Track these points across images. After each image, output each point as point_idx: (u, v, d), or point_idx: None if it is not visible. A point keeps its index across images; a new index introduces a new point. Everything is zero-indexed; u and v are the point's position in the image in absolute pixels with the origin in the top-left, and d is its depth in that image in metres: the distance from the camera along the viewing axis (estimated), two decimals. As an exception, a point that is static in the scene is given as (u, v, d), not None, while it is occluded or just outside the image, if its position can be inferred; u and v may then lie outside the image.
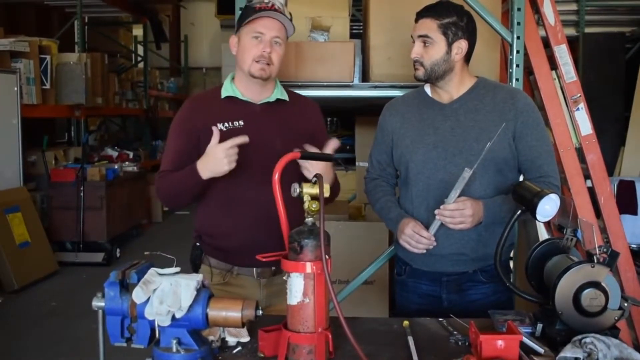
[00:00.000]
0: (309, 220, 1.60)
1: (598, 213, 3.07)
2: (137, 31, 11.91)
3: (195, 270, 2.28)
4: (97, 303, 1.48)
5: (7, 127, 6.25)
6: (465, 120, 2.22)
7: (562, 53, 3.01)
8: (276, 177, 1.75)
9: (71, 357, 4.29)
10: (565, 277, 1.66)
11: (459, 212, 2.07)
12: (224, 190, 2.18)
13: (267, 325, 1.66)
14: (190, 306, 1.45)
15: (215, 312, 1.48)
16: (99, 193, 6.94)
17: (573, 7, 6.70)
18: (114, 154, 8.55)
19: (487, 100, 2.24)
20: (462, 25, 2.20)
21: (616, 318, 1.67)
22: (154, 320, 1.45)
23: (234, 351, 1.67)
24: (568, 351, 1.54)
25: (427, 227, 2.16)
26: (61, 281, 6.19)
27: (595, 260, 1.66)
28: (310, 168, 2.06)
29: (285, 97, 2.30)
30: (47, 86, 6.95)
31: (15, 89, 6.29)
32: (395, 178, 2.43)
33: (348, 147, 6.82)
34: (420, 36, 2.20)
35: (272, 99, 2.26)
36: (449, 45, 2.19)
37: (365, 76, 3.01)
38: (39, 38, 7.07)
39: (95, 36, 10.13)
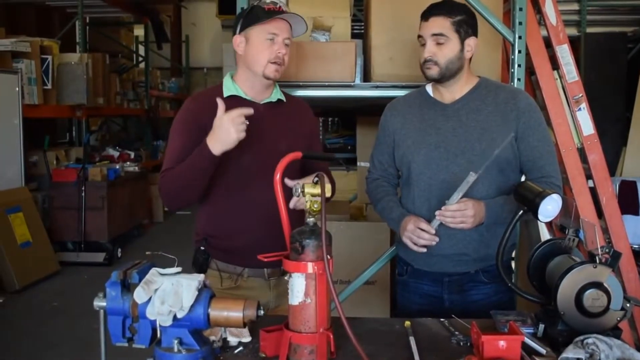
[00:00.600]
0: (310, 220, 1.60)
1: (600, 213, 3.06)
2: (139, 31, 11.91)
3: None
4: (99, 303, 1.48)
5: (9, 127, 6.26)
6: (467, 121, 2.22)
7: (564, 53, 3.01)
8: (277, 177, 1.75)
9: (73, 357, 4.29)
10: (567, 277, 1.66)
11: (460, 213, 2.07)
12: (230, 189, 2.18)
13: (268, 325, 1.66)
14: (192, 306, 1.45)
15: (217, 312, 1.48)
16: (101, 193, 6.94)
17: (575, 6, 6.69)
18: (115, 154, 8.55)
19: (489, 100, 2.24)
20: (471, 23, 2.21)
21: (618, 319, 1.66)
22: (155, 320, 1.45)
23: (236, 351, 1.67)
24: (570, 352, 1.54)
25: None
26: (62, 281, 6.19)
27: (598, 261, 1.66)
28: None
29: (283, 97, 2.31)
30: (49, 86, 6.96)
31: (17, 89, 6.30)
32: (396, 178, 2.43)
33: (349, 147, 6.82)
34: (434, 35, 2.18)
35: (274, 99, 2.27)
36: (462, 42, 2.19)
37: (366, 76, 3.01)
38: (40, 38, 7.08)
39: (97, 36, 10.13)
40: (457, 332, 1.80)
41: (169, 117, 10.88)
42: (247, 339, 1.71)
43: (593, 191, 3.03)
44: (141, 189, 8.31)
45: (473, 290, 2.27)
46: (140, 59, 11.58)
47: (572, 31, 6.58)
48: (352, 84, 2.90)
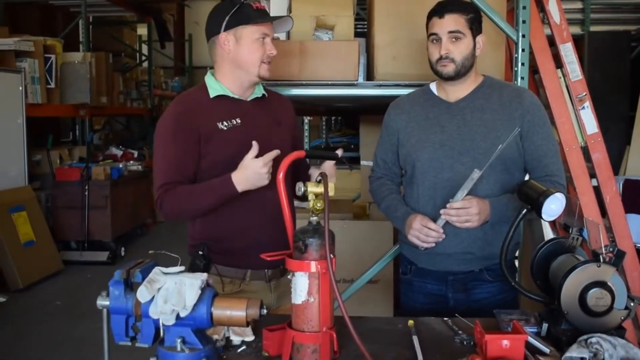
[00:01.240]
0: (313, 219, 1.60)
1: (604, 212, 3.05)
2: (142, 30, 11.92)
3: None
4: (102, 302, 1.48)
5: (12, 127, 6.28)
6: (471, 119, 2.22)
7: (568, 51, 3.00)
8: (280, 176, 1.75)
9: (76, 355, 4.30)
10: (571, 276, 1.65)
11: (464, 211, 2.07)
12: None
13: (271, 324, 1.66)
14: (195, 305, 1.45)
15: (220, 311, 1.48)
16: (104, 192, 6.95)
17: (578, 5, 6.67)
18: (119, 153, 8.56)
19: (493, 99, 2.24)
20: (480, 20, 2.24)
21: (622, 318, 1.66)
22: (158, 319, 1.45)
23: (239, 350, 1.67)
24: (574, 351, 1.54)
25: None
26: (66, 280, 6.21)
27: (601, 260, 1.65)
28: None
29: (264, 91, 2.31)
30: (52, 85, 6.98)
31: (20, 88, 6.32)
32: (400, 177, 2.43)
33: (352, 146, 6.82)
34: (450, 32, 2.18)
35: (259, 94, 2.27)
36: (474, 39, 2.21)
37: (369, 75, 3.01)
38: (43, 37, 7.09)
39: (100, 35, 10.15)
40: (460, 332, 1.79)
41: (172, 117, 10.85)
42: (250, 338, 1.71)
43: (597, 190, 3.02)
44: (144, 188, 8.30)
45: (477, 289, 2.26)
46: (144, 58, 11.60)
47: (576, 30, 6.57)
48: (355, 83, 2.90)
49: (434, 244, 2.17)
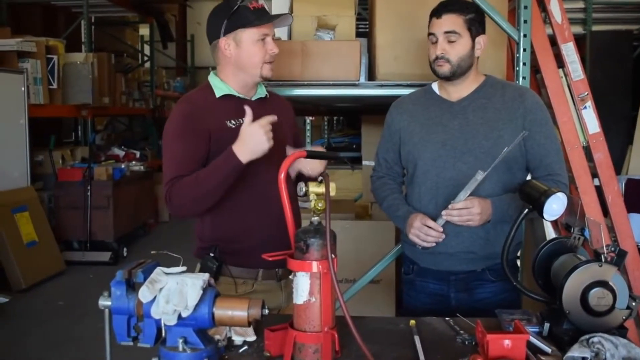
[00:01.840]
0: (315, 219, 1.60)
1: (606, 212, 3.05)
2: (144, 31, 11.94)
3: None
4: (104, 302, 1.48)
5: (15, 127, 6.29)
6: (473, 119, 2.22)
7: (569, 51, 3.00)
8: (282, 175, 1.75)
9: (77, 356, 4.30)
10: (573, 276, 1.65)
11: (466, 211, 2.07)
12: (236, 189, 2.13)
13: (273, 324, 1.66)
14: (197, 305, 1.45)
15: (222, 311, 1.48)
16: (106, 192, 6.95)
17: (580, 4, 6.67)
18: (121, 153, 8.58)
19: (495, 98, 2.24)
20: (481, 21, 2.23)
21: (624, 317, 1.66)
22: (160, 320, 1.45)
23: (240, 350, 1.67)
24: (575, 351, 1.54)
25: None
26: (68, 280, 6.21)
27: (603, 259, 1.65)
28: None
29: (266, 92, 2.31)
30: (54, 86, 6.99)
31: (23, 89, 6.32)
32: (401, 177, 2.43)
33: (354, 146, 6.82)
34: (446, 32, 2.18)
35: (262, 94, 2.27)
36: (473, 40, 2.20)
37: (371, 75, 3.01)
38: (45, 38, 7.10)
39: (102, 36, 10.16)
40: (462, 331, 1.79)
41: (174, 117, 10.87)
42: (251, 338, 1.71)
43: (599, 190, 3.02)
44: (147, 188, 8.32)
45: (479, 288, 2.26)
46: (146, 58, 11.62)
47: (578, 29, 6.58)
48: (356, 83, 2.90)
49: (434, 244, 2.17)
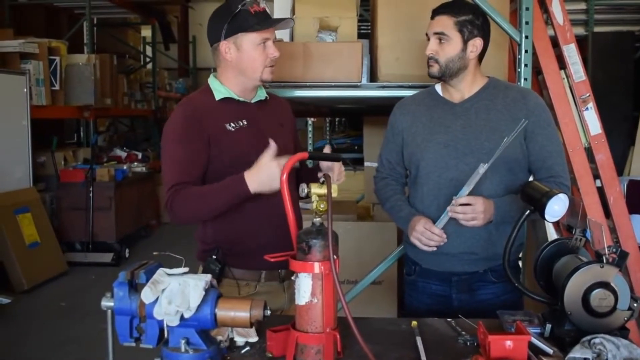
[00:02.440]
0: (317, 220, 1.60)
1: (607, 213, 3.05)
2: (146, 32, 11.96)
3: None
4: (106, 303, 1.49)
5: (17, 128, 6.30)
6: (476, 120, 2.22)
7: (571, 52, 3.00)
8: (284, 177, 1.75)
9: (80, 356, 4.31)
10: (574, 277, 1.65)
11: (471, 208, 2.08)
12: None
13: (275, 325, 1.66)
14: (199, 306, 1.45)
15: (224, 312, 1.48)
16: (108, 193, 6.97)
17: (582, 6, 6.68)
18: (123, 154, 8.59)
19: (498, 100, 2.24)
20: (477, 24, 2.21)
21: (625, 318, 1.66)
22: (162, 320, 1.46)
23: (242, 351, 1.68)
24: (577, 352, 1.54)
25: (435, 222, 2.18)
26: (70, 281, 6.22)
27: (605, 261, 1.65)
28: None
29: (266, 94, 2.31)
30: (57, 87, 6.99)
31: (25, 90, 6.34)
32: (404, 177, 2.43)
33: (356, 148, 6.83)
34: (436, 33, 2.20)
35: (262, 96, 2.27)
36: (465, 42, 2.19)
37: (373, 76, 3.01)
38: (48, 39, 7.11)
39: (104, 37, 10.16)
40: (464, 332, 1.80)
41: (176, 118, 10.87)
42: (254, 338, 1.71)
43: (600, 191, 3.02)
44: (149, 189, 8.33)
45: (481, 289, 2.27)
46: (148, 59, 11.63)
47: (579, 30, 6.58)
48: (358, 84, 2.90)
49: (435, 248, 2.18)
